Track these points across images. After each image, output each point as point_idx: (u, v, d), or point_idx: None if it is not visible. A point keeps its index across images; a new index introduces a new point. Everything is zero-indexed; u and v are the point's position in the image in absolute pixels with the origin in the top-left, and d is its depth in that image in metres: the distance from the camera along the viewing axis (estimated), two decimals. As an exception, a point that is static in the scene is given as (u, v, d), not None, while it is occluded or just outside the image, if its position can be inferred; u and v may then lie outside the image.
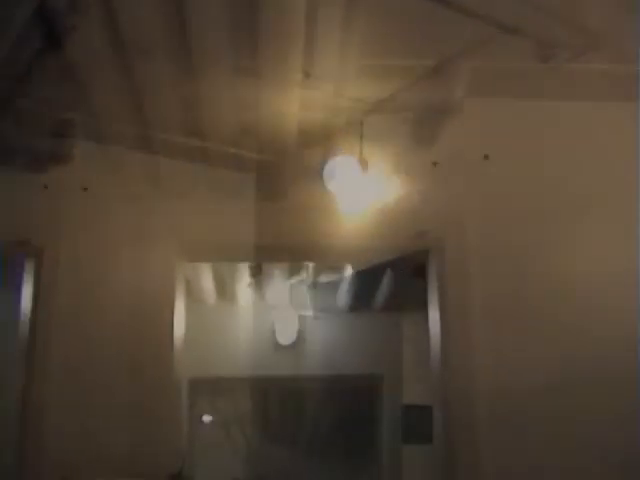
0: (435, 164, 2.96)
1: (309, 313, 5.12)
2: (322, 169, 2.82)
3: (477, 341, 2.79)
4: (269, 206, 2.84)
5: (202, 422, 11.05)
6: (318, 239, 2.82)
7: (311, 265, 4.64)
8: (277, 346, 5.03)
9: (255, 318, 5.11)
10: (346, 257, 3.08)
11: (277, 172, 2.70)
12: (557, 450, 2.68)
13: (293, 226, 2.82)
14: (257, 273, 4.92)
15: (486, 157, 2.97)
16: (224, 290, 5.01)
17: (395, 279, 4.51)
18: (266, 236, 2.81)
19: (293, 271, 4.89)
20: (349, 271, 4.45)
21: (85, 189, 2.89)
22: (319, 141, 2.71)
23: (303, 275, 4.97)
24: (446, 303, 2.87)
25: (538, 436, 2.69)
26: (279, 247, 2.85)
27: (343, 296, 4.97)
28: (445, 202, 2.91)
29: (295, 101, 2.20)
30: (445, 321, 2.86)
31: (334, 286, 5.03)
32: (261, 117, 2.34)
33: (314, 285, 5.14)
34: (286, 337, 4.98)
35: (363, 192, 2.87)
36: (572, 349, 2.76)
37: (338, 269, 4.70)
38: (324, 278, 5.06)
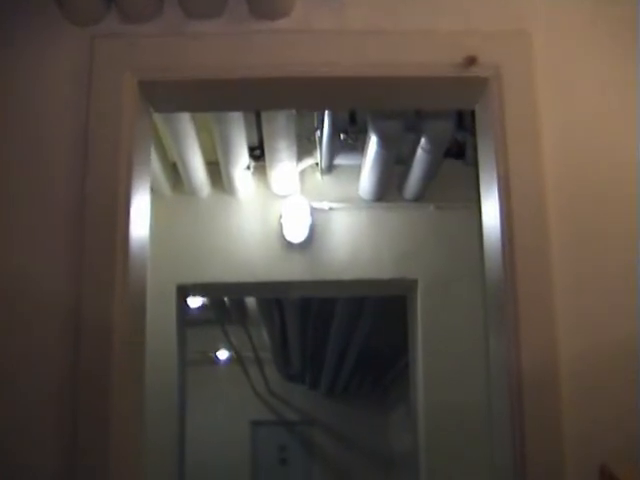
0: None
1: (324, 205, 4.64)
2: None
3: (556, 243, 2.19)
4: (266, 26, 2.35)
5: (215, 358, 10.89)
6: (331, 71, 2.33)
7: (325, 141, 4.17)
8: (286, 245, 4.57)
9: (259, 212, 4.63)
10: (369, 98, 2.55)
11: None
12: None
13: (298, 54, 2.32)
14: (258, 155, 4.48)
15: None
16: (219, 178, 4.58)
17: (432, 153, 4.02)
18: (261, 68, 2.32)
19: (303, 151, 4.43)
20: (373, 145, 3.96)
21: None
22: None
23: (316, 157, 4.51)
24: (507, 180, 2.22)
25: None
26: (279, 82, 2.35)
27: (366, 182, 4.47)
28: (502, 19, 2.41)
29: None
30: (507, 207, 2.21)
31: (354, 171, 4.52)
32: None
33: (330, 169, 4.63)
34: (296, 234, 4.52)
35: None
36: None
37: (358, 144, 4.22)
38: (342, 160, 4.59)
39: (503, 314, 2.19)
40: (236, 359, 10.69)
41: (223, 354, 10.95)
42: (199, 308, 8.24)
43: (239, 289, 4.96)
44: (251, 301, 7.80)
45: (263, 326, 8.40)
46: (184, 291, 4.59)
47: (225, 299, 7.72)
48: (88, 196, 2.22)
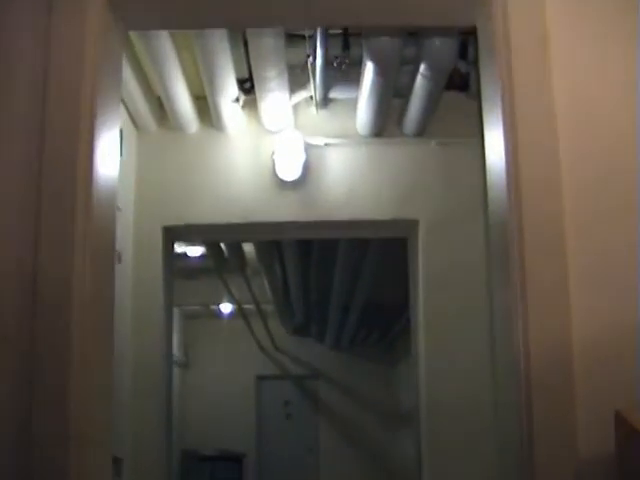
0: None
1: (319, 140, 4.43)
2: None
3: (568, 178, 1.99)
4: None
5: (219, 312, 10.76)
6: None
7: (318, 70, 3.95)
8: (278, 183, 4.37)
9: (249, 148, 4.43)
10: (357, 11, 2.32)
11: None
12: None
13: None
14: (249, 89, 4.28)
15: None
16: (208, 113, 4.39)
17: (432, 80, 3.80)
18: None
19: (296, 83, 4.22)
20: (369, 73, 3.74)
21: None
22: None
23: (310, 89, 4.31)
24: (512, 107, 2.02)
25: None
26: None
27: (363, 115, 4.26)
28: None
29: None
30: (512, 139, 2.01)
31: (351, 104, 4.30)
32: None
33: (325, 103, 4.42)
34: (290, 171, 4.34)
35: None
36: None
37: (353, 75, 4.02)
38: (338, 93, 4.37)
39: (508, 259, 2.01)
40: (240, 312, 10.57)
41: (226, 307, 10.84)
42: (198, 258, 8.12)
43: (230, 231, 4.78)
44: (250, 250, 7.64)
45: (264, 276, 8.26)
46: (171, 234, 4.42)
47: (223, 247, 7.56)
48: (47, 129, 2.04)
